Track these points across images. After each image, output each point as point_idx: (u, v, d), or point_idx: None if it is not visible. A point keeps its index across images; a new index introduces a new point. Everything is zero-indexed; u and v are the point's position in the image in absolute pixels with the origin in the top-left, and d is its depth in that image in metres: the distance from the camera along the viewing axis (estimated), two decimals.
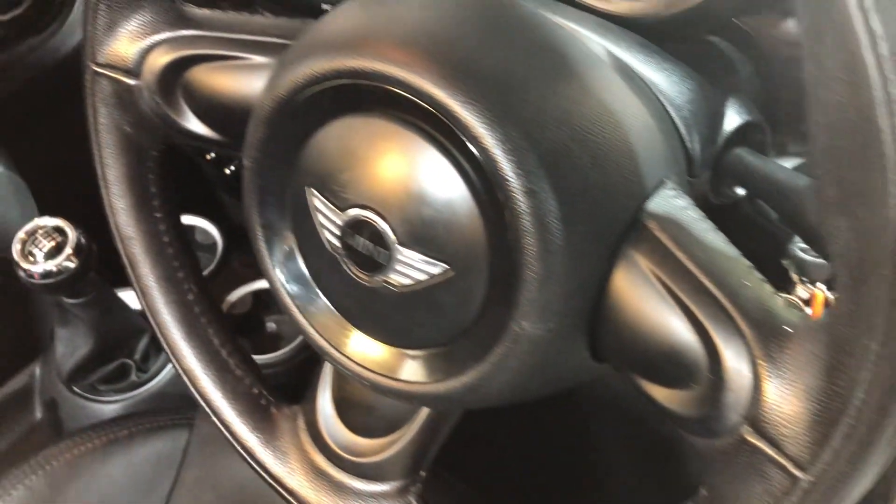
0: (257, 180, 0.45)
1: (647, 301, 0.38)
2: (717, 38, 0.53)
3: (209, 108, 0.49)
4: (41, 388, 1.00)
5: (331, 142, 0.42)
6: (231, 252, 1.14)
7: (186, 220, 1.16)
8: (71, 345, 0.92)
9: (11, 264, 1.06)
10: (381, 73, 0.39)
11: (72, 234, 0.81)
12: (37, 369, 1.01)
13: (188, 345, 0.55)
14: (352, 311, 0.45)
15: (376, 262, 0.41)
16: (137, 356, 0.99)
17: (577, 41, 0.42)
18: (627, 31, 0.48)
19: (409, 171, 0.40)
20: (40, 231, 0.82)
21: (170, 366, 0.99)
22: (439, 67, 0.38)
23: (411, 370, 0.43)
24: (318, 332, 0.46)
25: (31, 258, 0.81)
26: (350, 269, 0.43)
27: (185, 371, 0.55)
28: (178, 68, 0.49)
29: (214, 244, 1.16)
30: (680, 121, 0.46)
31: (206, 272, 1.11)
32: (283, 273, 0.46)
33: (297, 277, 0.46)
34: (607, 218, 0.38)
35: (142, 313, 1.00)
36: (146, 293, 0.55)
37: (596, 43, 0.45)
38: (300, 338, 1.08)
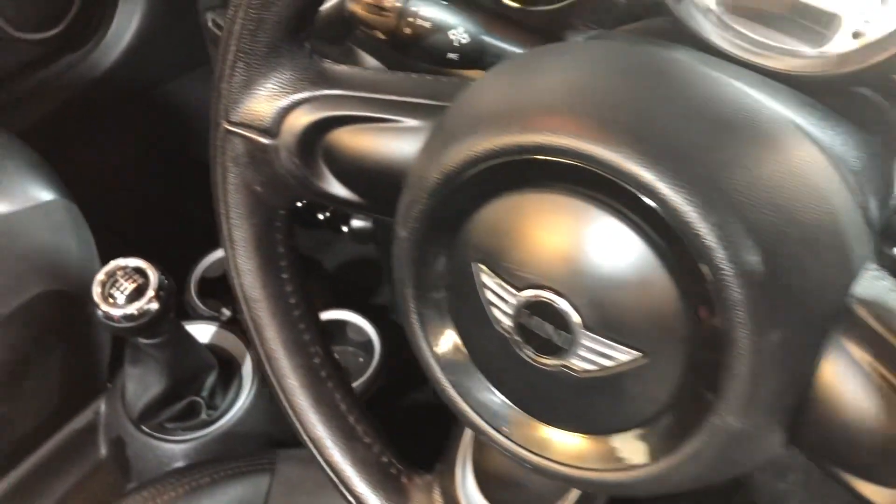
0: (414, 252, 0.43)
1: (860, 393, 0.36)
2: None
3: (353, 170, 0.47)
4: (106, 425, 0.98)
5: (504, 217, 0.40)
6: (309, 276, 1.11)
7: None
8: (142, 384, 0.90)
9: (74, 300, 1.05)
10: (570, 150, 0.36)
11: (153, 276, 0.78)
12: (101, 406, 0.99)
13: (316, 412, 0.52)
14: (519, 393, 0.42)
15: (555, 346, 0.39)
16: (205, 393, 0.97)
17: (766, 107, 0.40)
18: (793, 89, 0.46)
19: (598, 251, 0.37)
20: (120, 272, 0.79)
21: (239, 404, 0.97)
22: (639, 144, 0.36)
23: (584, 456, 0.41)
24: (477, 412, 0.43)
25: (111, 300, 0.79)
26: (522, 351, 0.40)
27: (312, 440, 0.52)
28: (319, 129, 0.47)
29: None
30: (859, 188, 0.43)
31: None
32: (437, 350, 0.44)
33: (453, 355, 0.44)
34: (819, 305, 0.36)
35: (214, 350, 0.99)
36: (271, 357, 0.52)
37: (776, 107, 0.43)
38: (368, 373, 1.06)
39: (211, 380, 0.97)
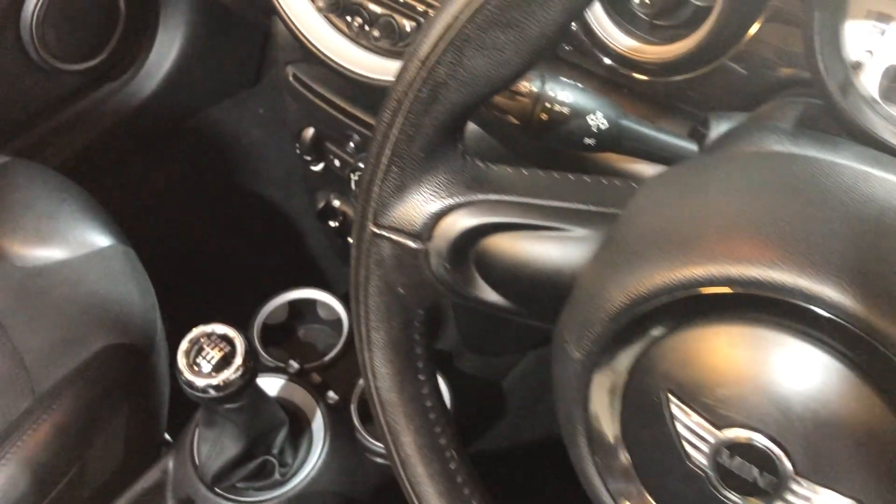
0: (587, 375, 0.40)
1: None
2: None
3: (508, 277, 0.45)
4: (175, 484, 0.95)
5: (701, 348, 0.37)
6: None
7: (308, 293, 1.12)
8: (217, 446, 0.88)
9: (137, 352, 1.02)
10: (778, 285, 0.34)
11: (240, 344, 0.76)
12: (169, 464, 0.97)
13: None
14: None
15: (759, 489, 0.37)
16: (276, 450, 0.94)
17: None
18: None
19: (811, 391, 0.35)
20: (205, 339, 0.77)
21: (312, 462, 0.95)
22: (847, 277, 0.33)
23: None
24: None
25: (196, 368, 0.76)
26: (717, 490, 0.38)
27: None
28: (474, 235, 0.45)
29: (339, 320, 1.11)
30: None
31: (332, 353, 1.06)
32: (608, 476, 0.42)
33: (624, 482, 0.42)
34: None
35: (282, 404, 0.96)
36: (406, 463, 0.50)
37: None
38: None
39: (281, 436, 0.95)
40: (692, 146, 0.53)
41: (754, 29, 0.57)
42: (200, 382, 0.76)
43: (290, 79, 0.85)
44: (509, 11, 0.38)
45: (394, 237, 0.46)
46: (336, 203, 0.98)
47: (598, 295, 0.39)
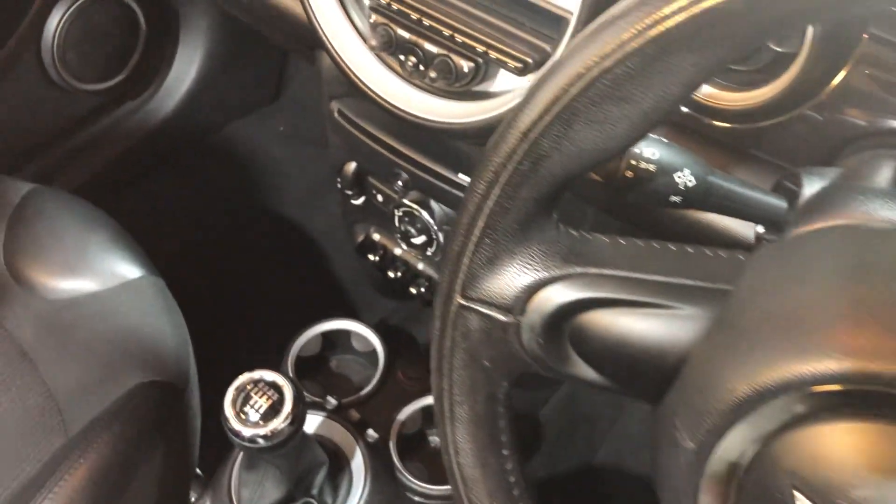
0: (701, 465, 0.38)
1: None
2: None
3: (607, 354, 0.42)
4: None
5: (831, 444, 0.35)
6: (393, 361, 1.07)
7: (342, 324, 1.10)
8: (259, 490, 0.85)
9: (171, 390, 1.00)
10: None
11: (289, 392, 0.74)
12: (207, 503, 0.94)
13: None
14: None
15: None
16: (315, 490, 0.92)
17: None
18: None
19: None
20: (251, 385, 0.75)
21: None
22: None
23: None
24: None
25: (243, 416, 0.74)
26: None
27: None
28: (571, 310, 0.42)
29: (374, 352, 1.09)
30: None
31: (369, 387, 1.04)
32: None
33: None
34: None
35: (321, 442, 0.94)
36: None
37: None
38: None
39: (321, 476, 0.92)
40: (782, 203, 0.51)
41: (839, 77, 0.55)
42: (248, 432, 0.73)
43: (336, 115, 0.83)
44: (626, 86, 0.36)
45: (483, 310, 0.43)
46: (376, 236, 0.96)
47: (717, 383, 0.37)
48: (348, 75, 0.72)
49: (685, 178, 0.50)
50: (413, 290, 0.94)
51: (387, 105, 0.72)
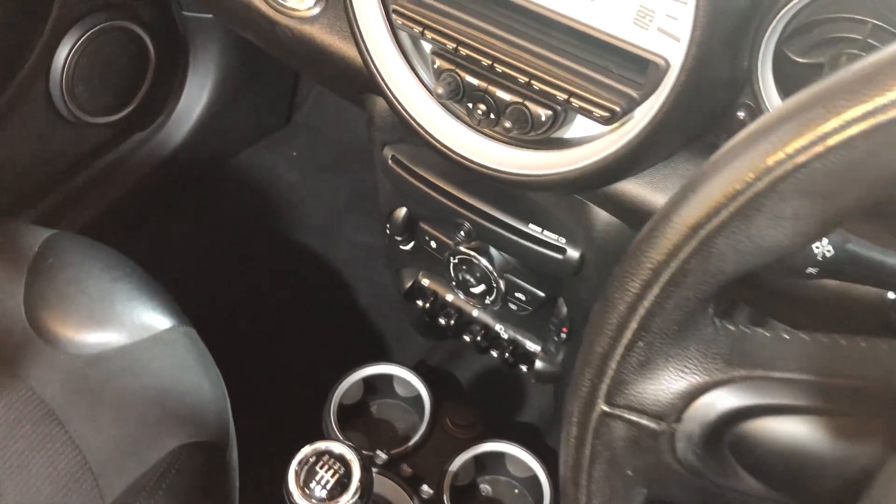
0: None
1: None
2: None
3: (778, 467, 0.38)
4: None
5: None
6: (440, 407, 1.02)
7: (384, 369, 1.05)
8: None
9: (213, 451, 0.95)
10: None
11: (356, 465, 0.69)
12: None
13: None
14: None
15: None
16: None
17: None
18: None
19: None
20: (315, 460, 0.70)
21: None
22: None
23: None
24: None
25: (307, 491, 0.69)
26: None
27: None
28: (735, 418, 0.38)
29: (417, 397, 1.04)
30: None
31: (416, 437, 0.99)
32: None
33: None
34: None
35: (375, 500, 0.89)
36: None
37: None
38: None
39: None
40: None
41: None
42: None
43: (390, 162, 0.78)
44: (825, 181, 0.31)
45: (632, 418, 0.39)
46: (425, 282, 0.91)
47: None
48: (412, 125, 0.68)
49: (823, 248, 0.45)
50: (467, 338, 0.89)
51: (455, 156, 0.67)
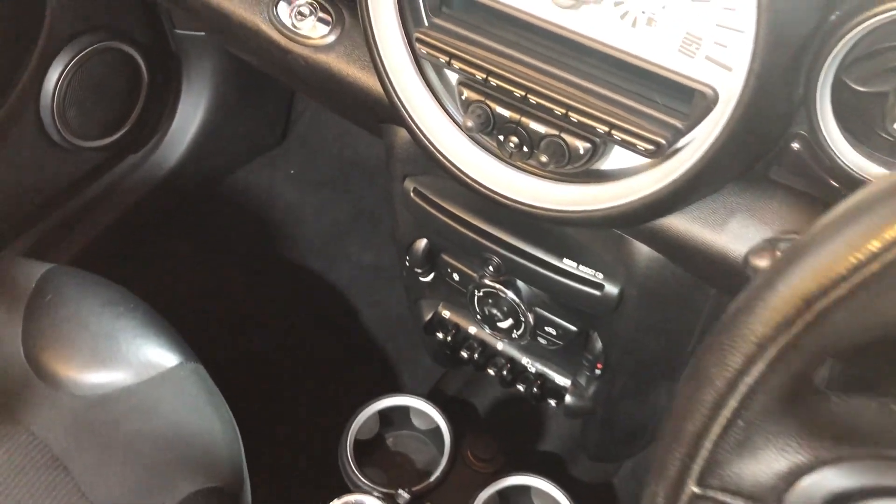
0: None
1: None
2: None
3: None
4: None
5: None
6: (460, 440, 0.98)
7: (400, 400, 1.01)
8: None
9: (227, 497, 0.91)
10: None
11: None
12: None
13: None
14: None
15: None
16: None
17: None
18: None
19: None
20: None
21: None
22: None
23: None
24: None
25: None
26: None
27: None
28: (843, 500, 0.34)
29: (436, 429, 1.00)
30: None
31: (438, 472, 0.95)
32: None
33: None
34: None
35: None
36: None
37: None
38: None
39: None
40: None
41: None
42: None
43: (412, 195, 0.74)
44: None
45: (727, 500, 0.35)
46: (446, 314, 0.87)
47: None
48: (439, 160, 0.64)
49: None
50: (491, 371, 0.85)
51: (486, 191, 0.63)
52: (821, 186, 0.55)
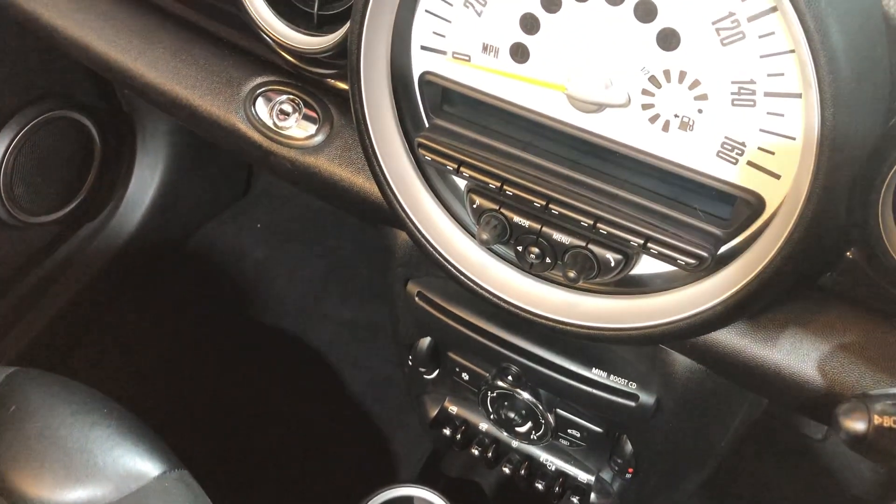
0: None
1: None
2: None
3: None
4: None
5: None
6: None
7: (403, 491, 0.94)
8: None
9: None
10: None
11: None
12: None
13: None
14: None
15: None
16: None
17: None
18: None
19: None
20: None
21: None
22: None
23: None
24: None
25: None
26: None
27: None
28: None
29: None
30: None
31: None
32: None
33: None
34: None
35: None
36: None
37: None
38: None
39: None
40: None
41: None
42: None
43: (417, 300, 0.68)
44: None
45: None
46: (453, 409, 0.81)
47: None
48: (451, 272, 0.58)
49: None
50: (506, 470, 0.79)
51: (504, 304, 0.57)
52: (880, 295, 0.51)
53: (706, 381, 0.59)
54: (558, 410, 0.70)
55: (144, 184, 1.48)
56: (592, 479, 0.76)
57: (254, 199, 1.66)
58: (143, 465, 0.89)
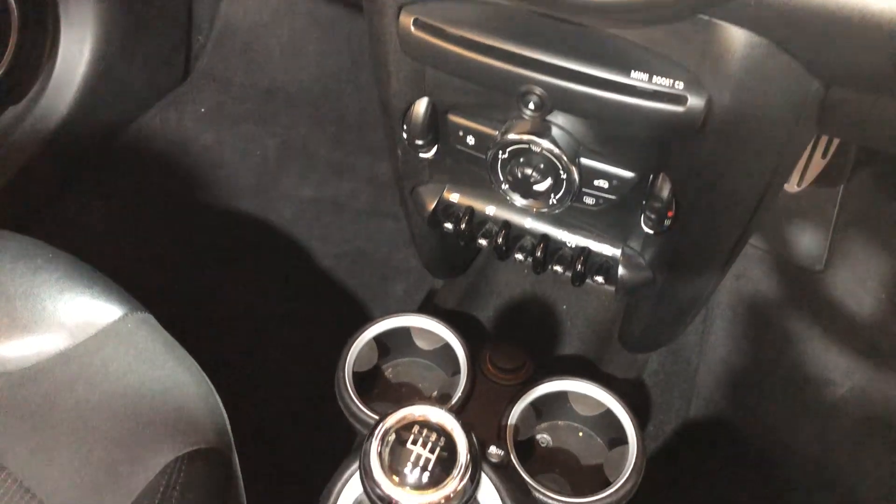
0: None
1: None
2: None
3: None
4: None
5: None
6: (476, 354, 0.84)
7: (399, 321, 0.85)
8: None
9: (219, 460, 0.73)
10: None
11: (460, 438, 0.50)
12: None
13: None
14: None
15: None
16: None
17: None
18: None
19: None
20: (405, 433, 0.50)
21: None
22: None
23: None
24: None
25: (396, 479, 0.50)
26: None
27: None
28: None
29: (445, 347, 0.85)
30: None
31: (459, 392, 0.80)
32: None
33: None
34: None
35: None
36: None
37: None
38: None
39: None
40: None
41: None
42: (412, 500, 0.49)
43: (413, 29, 0.57)
44: None
45: None
46: (454, 197, 0.71)
47: None
48: None
49: None
50: (519, 256, 0.70)
51: None
52: None
53: (767, 62, 0.50)
54: (582, 160, 0.61)
55: (72, 63, 1.34)
56: (618, 252, 0.67)
57: (195, 84, 1.53)
58: (100, 309, 0.78)
